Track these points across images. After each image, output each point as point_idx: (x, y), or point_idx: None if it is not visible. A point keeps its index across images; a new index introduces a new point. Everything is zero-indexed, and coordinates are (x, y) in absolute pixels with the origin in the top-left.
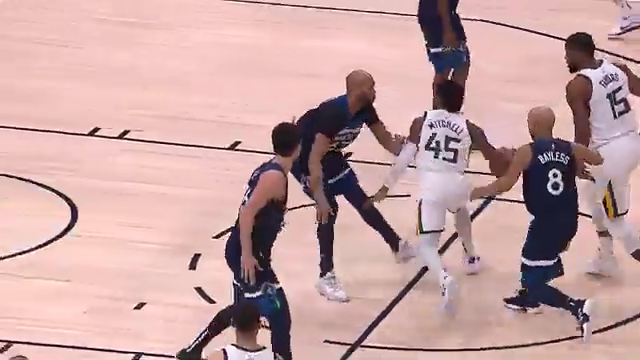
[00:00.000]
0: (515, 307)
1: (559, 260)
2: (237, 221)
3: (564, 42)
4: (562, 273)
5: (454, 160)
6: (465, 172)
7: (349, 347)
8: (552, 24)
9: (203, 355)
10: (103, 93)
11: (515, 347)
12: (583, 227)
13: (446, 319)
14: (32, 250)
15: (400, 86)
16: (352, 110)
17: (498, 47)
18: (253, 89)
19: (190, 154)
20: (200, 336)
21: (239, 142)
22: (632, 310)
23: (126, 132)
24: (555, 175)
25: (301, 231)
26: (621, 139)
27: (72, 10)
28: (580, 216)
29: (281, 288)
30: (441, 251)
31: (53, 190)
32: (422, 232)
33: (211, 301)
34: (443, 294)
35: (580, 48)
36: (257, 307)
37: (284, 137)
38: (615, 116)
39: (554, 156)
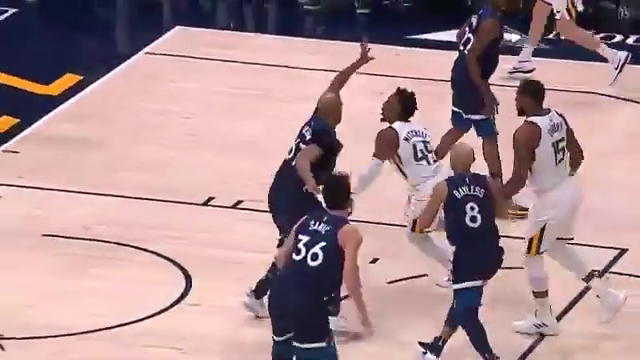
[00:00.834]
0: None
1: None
2: None
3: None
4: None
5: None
6: None
7: None
8: None
9: None
10: (219, 163)
11: None
12: None
13: None
14: (147, 318)
15: None
16: None
17: None
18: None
19: None
20: None
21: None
22: None
23: (240, 202)
24: (472, 208)
25: None
26: (561, 186)
27: (195, 81)
28: None
29: None
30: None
31: (168, 258)
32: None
33: None
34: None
35: (531, 95)
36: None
37: (337, 191)
38: (556, 164)
39: (469, 190)
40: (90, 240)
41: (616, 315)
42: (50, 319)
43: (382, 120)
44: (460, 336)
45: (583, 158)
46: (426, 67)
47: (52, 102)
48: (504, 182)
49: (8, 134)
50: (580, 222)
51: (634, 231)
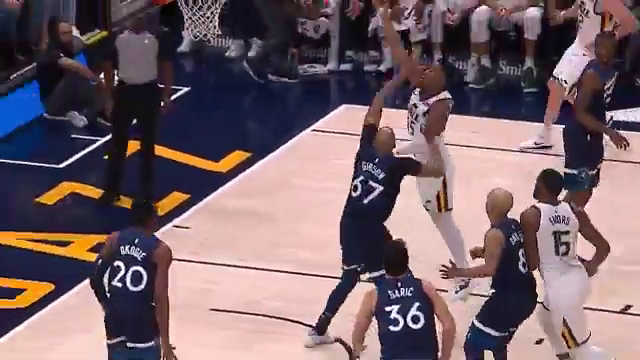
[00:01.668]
0: None
1: (507, 337)
2: None
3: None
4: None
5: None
6: None
7: None
8: None
9: None
10: None
11: None
12: None
13: None
14: None
15: None
16: None
17: None
18: None
19: None
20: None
21: None
22: None
23: None
24: (523, 255)
25: None
26: (566, 277)
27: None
28: None
29: None
30: None
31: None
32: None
33: None
34: None
35: (547, 184)
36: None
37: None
38: (557, 253)
39: (518, 236)
40: (255, 315)
41: None
42: None
43: None
44: (460, 337)
45: (609, 251)
46: None
47: (221, 179)
48: None
49: (179, 209)
50: None
51: None
